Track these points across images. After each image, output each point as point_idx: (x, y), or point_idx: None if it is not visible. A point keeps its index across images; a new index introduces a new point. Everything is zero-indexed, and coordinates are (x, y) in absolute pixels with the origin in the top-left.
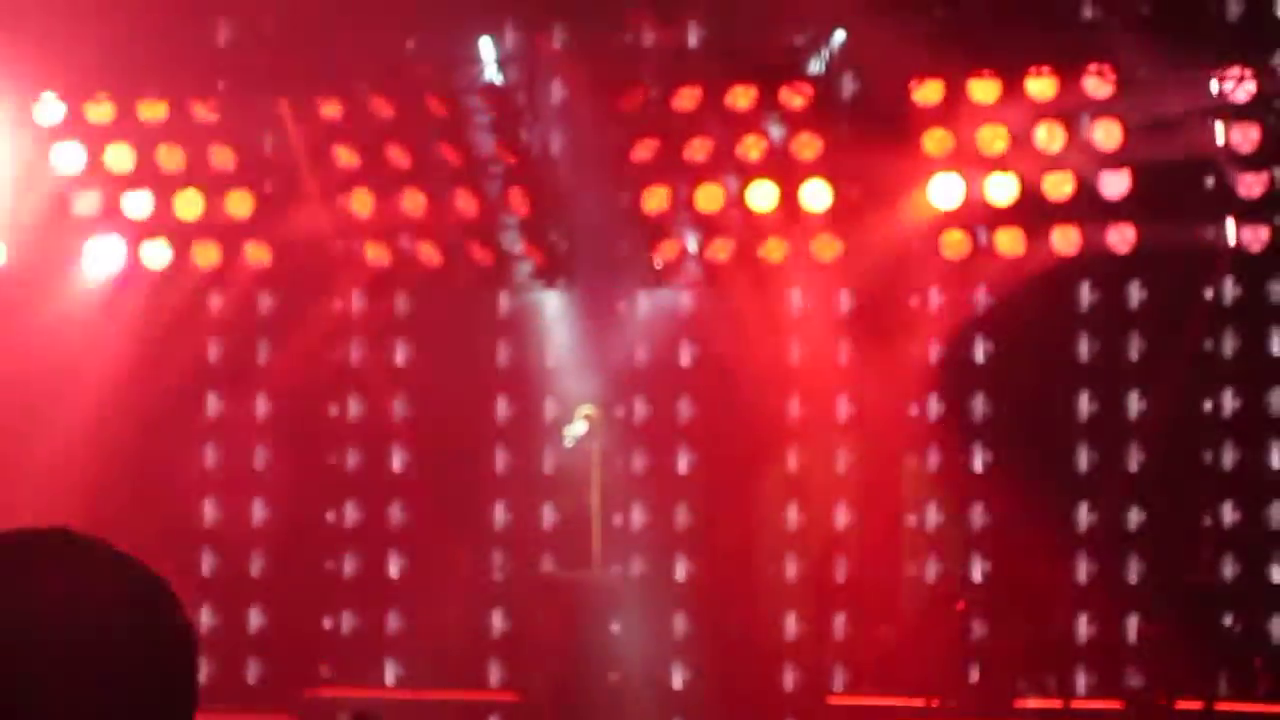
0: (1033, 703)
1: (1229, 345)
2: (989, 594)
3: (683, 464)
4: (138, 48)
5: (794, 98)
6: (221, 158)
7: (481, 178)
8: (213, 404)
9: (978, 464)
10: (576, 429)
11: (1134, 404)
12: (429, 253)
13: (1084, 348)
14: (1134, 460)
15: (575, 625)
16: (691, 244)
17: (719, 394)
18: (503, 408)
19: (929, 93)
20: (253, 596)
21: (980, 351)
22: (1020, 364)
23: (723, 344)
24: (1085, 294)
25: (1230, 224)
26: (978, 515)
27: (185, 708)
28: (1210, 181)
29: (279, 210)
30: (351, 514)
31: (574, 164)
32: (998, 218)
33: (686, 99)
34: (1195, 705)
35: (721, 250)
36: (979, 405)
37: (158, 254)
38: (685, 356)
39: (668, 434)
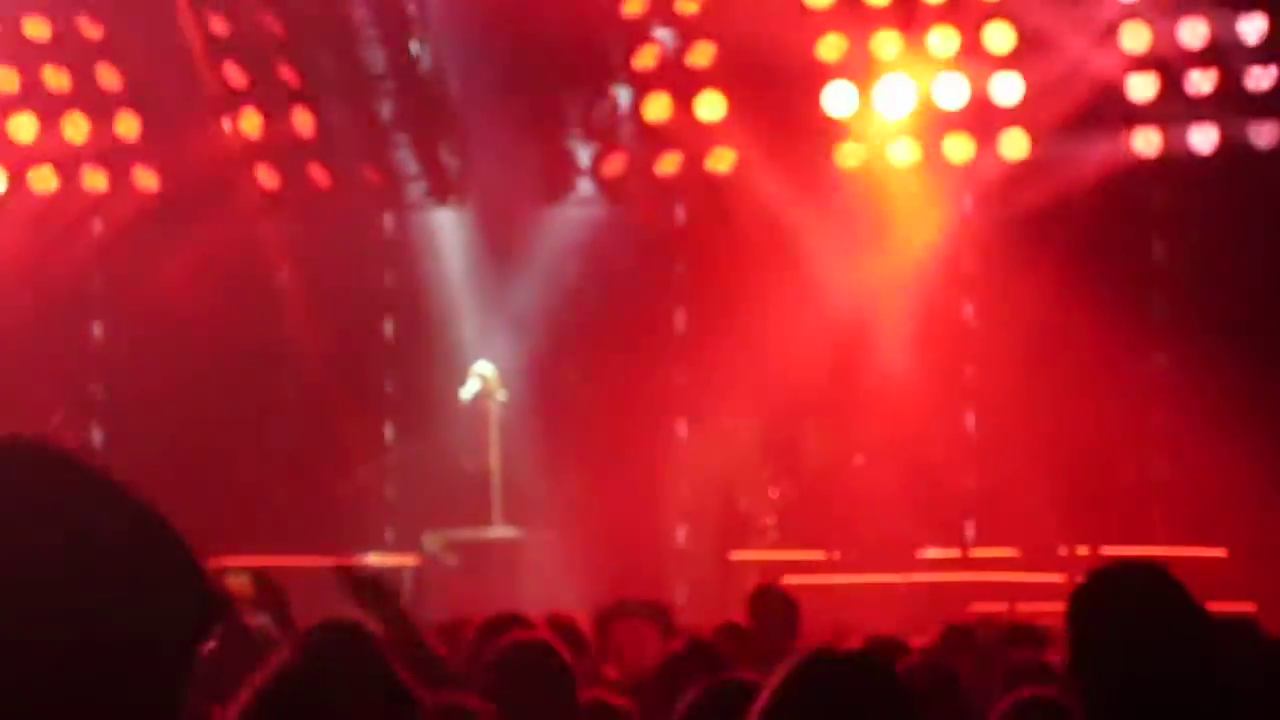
0: (932, 553)
1: None
2: (888, 449)
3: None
4: None
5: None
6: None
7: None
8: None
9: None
10: (472, 386)
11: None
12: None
13: None
14: None
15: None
16: (584, 158)
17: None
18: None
19: None
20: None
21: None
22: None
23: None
24: None
25: None
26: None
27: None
28: None
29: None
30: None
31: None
32: None
33: None
34: (1085, 550)
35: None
36: None
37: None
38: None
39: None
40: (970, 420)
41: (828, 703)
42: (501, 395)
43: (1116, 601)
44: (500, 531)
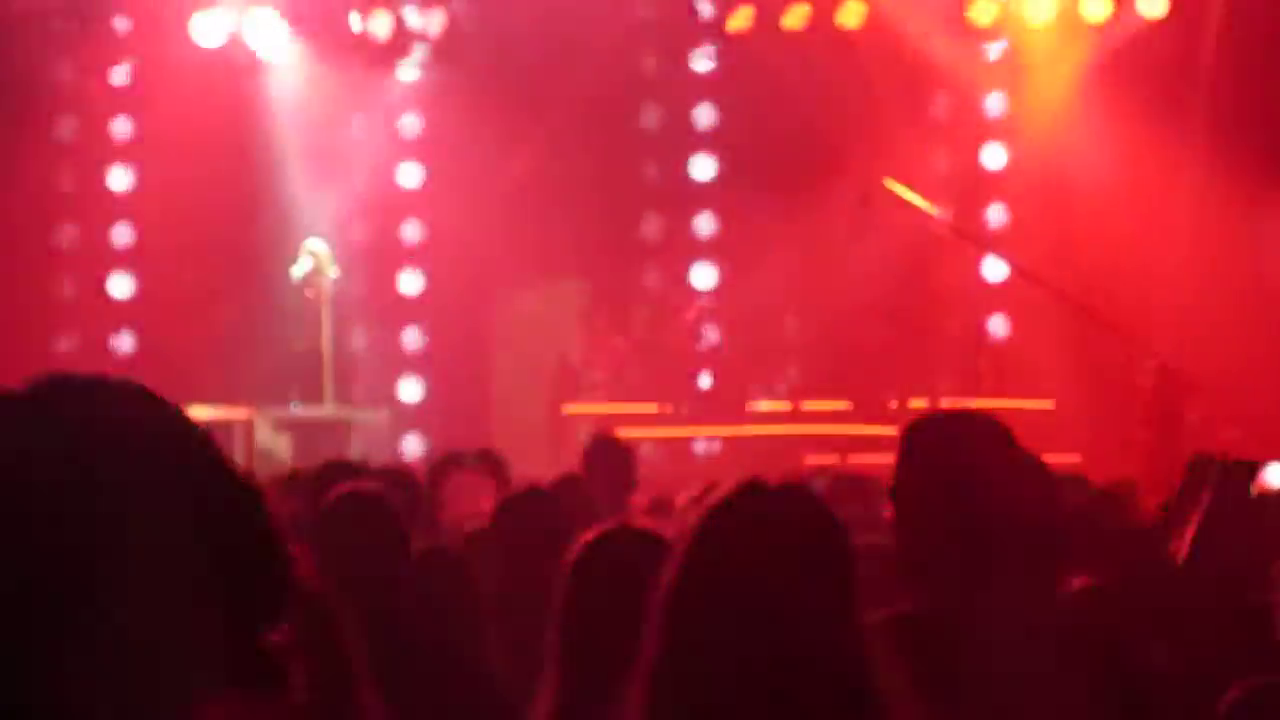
0: (763, 405)
1: None
2: (718, 302)
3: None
4: None
5: None
6: None
7: None
8: None
9: (706, 173)
10: (303, 264)
11: None
12: None
13: None
14: None
15: None
16: (413, 18)
17: None
18: None
19: None
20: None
21: None
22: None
23: None
24: None
25: None
26: (708, 223)
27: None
28: None
29: None
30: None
31: None
32: None
33: None
34: (920, 403)
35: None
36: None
37: None
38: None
39: None
40: (802, 271)
41: (761, 529)
42: (333, 273)
43: (942, 445)
44: (331, 409)
